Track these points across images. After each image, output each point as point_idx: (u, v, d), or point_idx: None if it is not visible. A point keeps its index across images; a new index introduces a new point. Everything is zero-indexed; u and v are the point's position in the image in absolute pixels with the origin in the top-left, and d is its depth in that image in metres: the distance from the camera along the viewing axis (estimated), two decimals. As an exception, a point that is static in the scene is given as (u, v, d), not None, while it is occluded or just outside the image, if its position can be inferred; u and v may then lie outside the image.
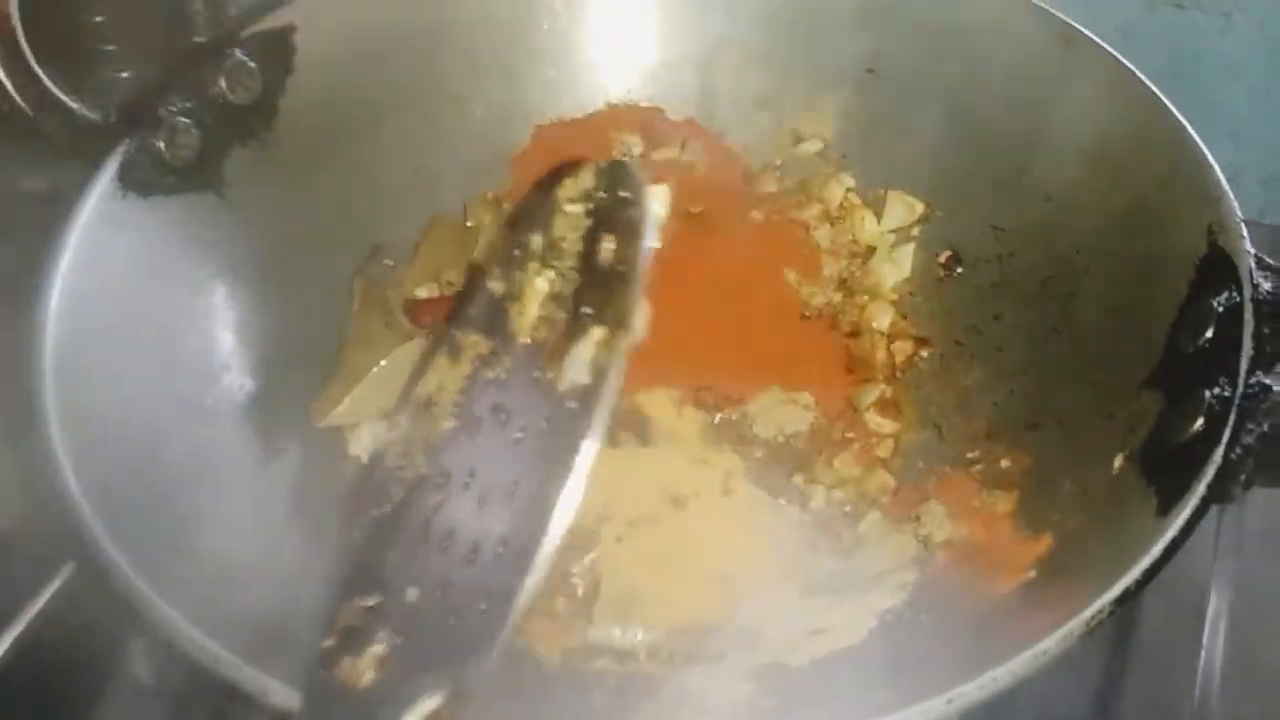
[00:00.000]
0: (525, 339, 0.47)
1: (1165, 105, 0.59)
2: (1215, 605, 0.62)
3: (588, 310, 0.46)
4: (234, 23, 0.67)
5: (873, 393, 0.65)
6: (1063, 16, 0.65)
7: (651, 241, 0.47)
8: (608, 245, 0.47)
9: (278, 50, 0.66)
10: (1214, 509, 0.63)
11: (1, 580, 0.62)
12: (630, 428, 0.64)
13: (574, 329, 0.46)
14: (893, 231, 0.71)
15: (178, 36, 0.67)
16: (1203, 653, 0.60)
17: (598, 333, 0.45)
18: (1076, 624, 0.41)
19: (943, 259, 0.69)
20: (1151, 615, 0.63)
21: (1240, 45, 0.91)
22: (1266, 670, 0.61)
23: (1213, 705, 0.58)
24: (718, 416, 0.65)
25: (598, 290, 0.46)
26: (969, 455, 0.61)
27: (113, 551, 0.47)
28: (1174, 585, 0.62)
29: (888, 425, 0.64)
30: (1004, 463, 0.60)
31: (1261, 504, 0.64)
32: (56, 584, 0.60)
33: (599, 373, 0.45)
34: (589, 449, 0.42)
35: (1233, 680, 0.59)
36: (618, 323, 0.45)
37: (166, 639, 0.46)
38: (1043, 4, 0.66)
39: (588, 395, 0.43)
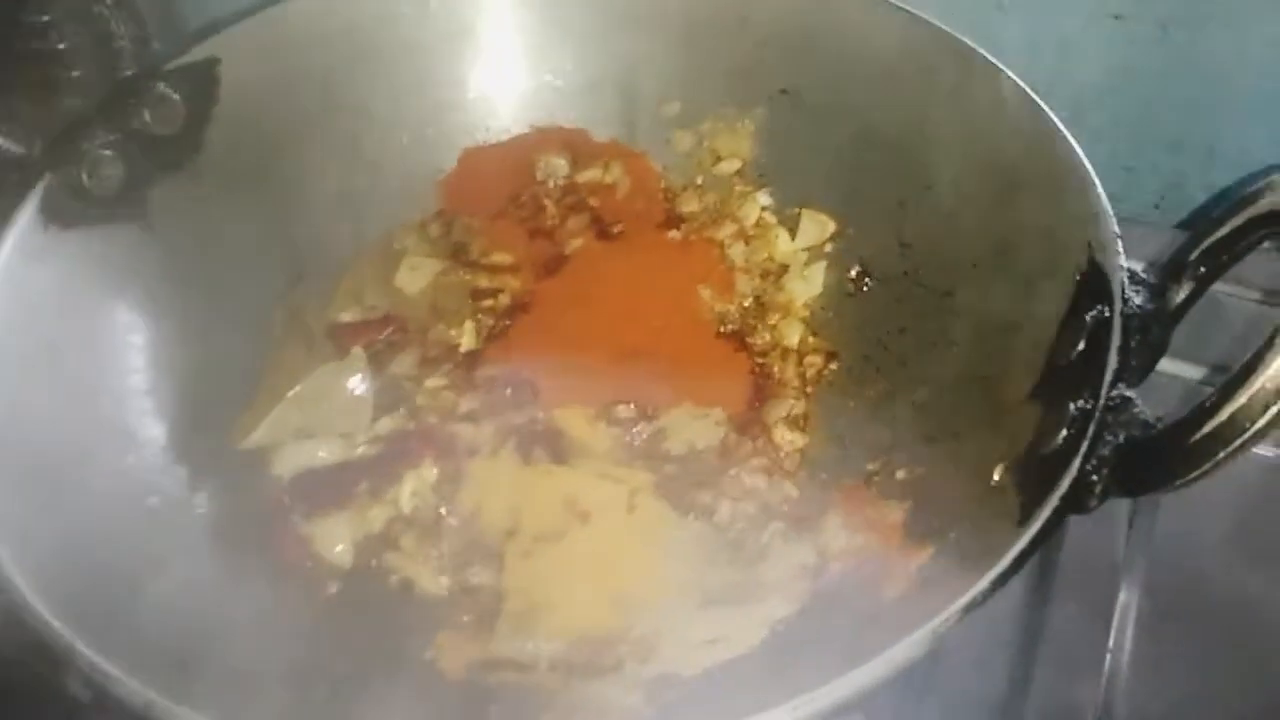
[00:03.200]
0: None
1: (1053, 122, 0.61)
2: (1123, 605, 0.63)
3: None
4: (158, 56, 0.68)
5: (783, 408, 0.67)
6: (963, 38, 0.67)
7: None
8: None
9: (202, 82, 0.68)
10: (1126, 509, 0.66)
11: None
12: (544, 444, 0.65)
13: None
14: (805, 249, 0.72)
15: (102, 70, 0.69)
16: (1109, 655, 0.61)
17: None
18: (922, 633, 0.42)
19: (853, 275, 0.71)
20: (1060, 614, 0.64)
21: (1178, 56, 0.92)
22: (1171, 670, 0.62)
23: (1117, 701, 0.59)
24: (631, 433, 0.66)
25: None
26: (869, 467, 0.63)
27: (26, 590, 0.48)
28: (1083, 585, 0.64)
29: (796, 439, 0.66)
30: (900, 474, 0.61)
31: (1171, 506, 0.66)
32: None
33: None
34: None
35: (1138, 679, 0.61)
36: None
37: (78, 669, 0.47)
38: (972, 23, 0.68)
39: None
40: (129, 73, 0.69)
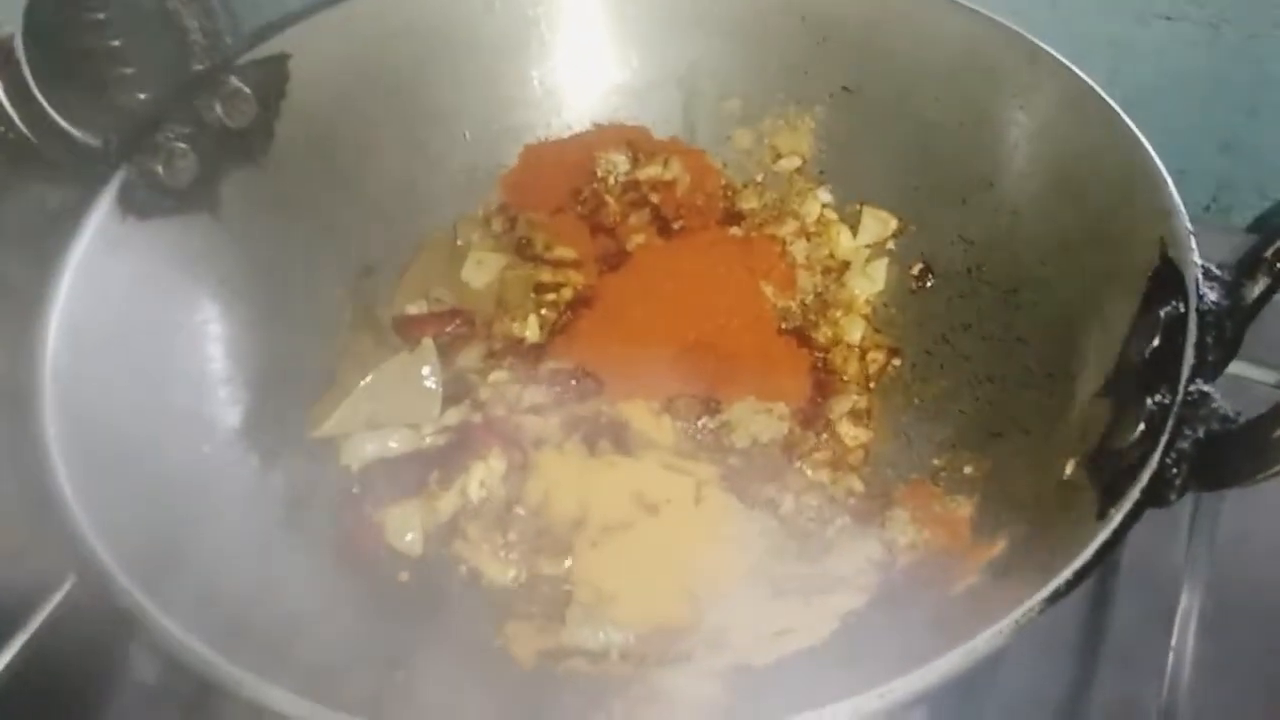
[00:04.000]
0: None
1: (1123, 121, 0.61)
2: (1186, 604, 0.63)
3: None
4: (231, 50, 0.69)
5: (846, 403, 0.67)
6: (1028, 35, 0.67)
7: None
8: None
9: (273, 77, 0.69)
10: (1187, 511, 0.66)
11: (6, 591, 0.64)
12: (610, 437, 0.66)
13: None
14: (867, 246, 0.73)
15: (177, 64, 0.70)
16: (1171, 651, 0.61)
17: None
18: (1006, 623, 0.43)
19: (915, 272, 0.71)
20: (1124, 613, 0.64)
21: (1229, 56, 0.92)
22: (1233, 668, 0.62)
23: (1180, 702, 0.59)
24: (695, 426, 0.67)
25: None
26: (935, 462, 0.63)
27: (111, 564, 0.49)
28: (1146, 584, 0.64)
29: (860, 435, 0.66)
30: (967, 469, 0.61)
31: (1234, 505, 0.66)
32: (60, 595, 0.63)
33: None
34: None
35: (1200, 677, 0.61)
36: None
37: (165, 649, 0.48)
38: (1025, 23, 0.68)
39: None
40: (201, 67, 0.69)
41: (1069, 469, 0.54)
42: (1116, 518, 0.46)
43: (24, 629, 0.62)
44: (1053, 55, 0.66)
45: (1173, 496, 0.47)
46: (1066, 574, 0.44)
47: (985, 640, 0.42)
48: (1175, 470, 0.47)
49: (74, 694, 0.64)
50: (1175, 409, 0.48)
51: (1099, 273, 0.60)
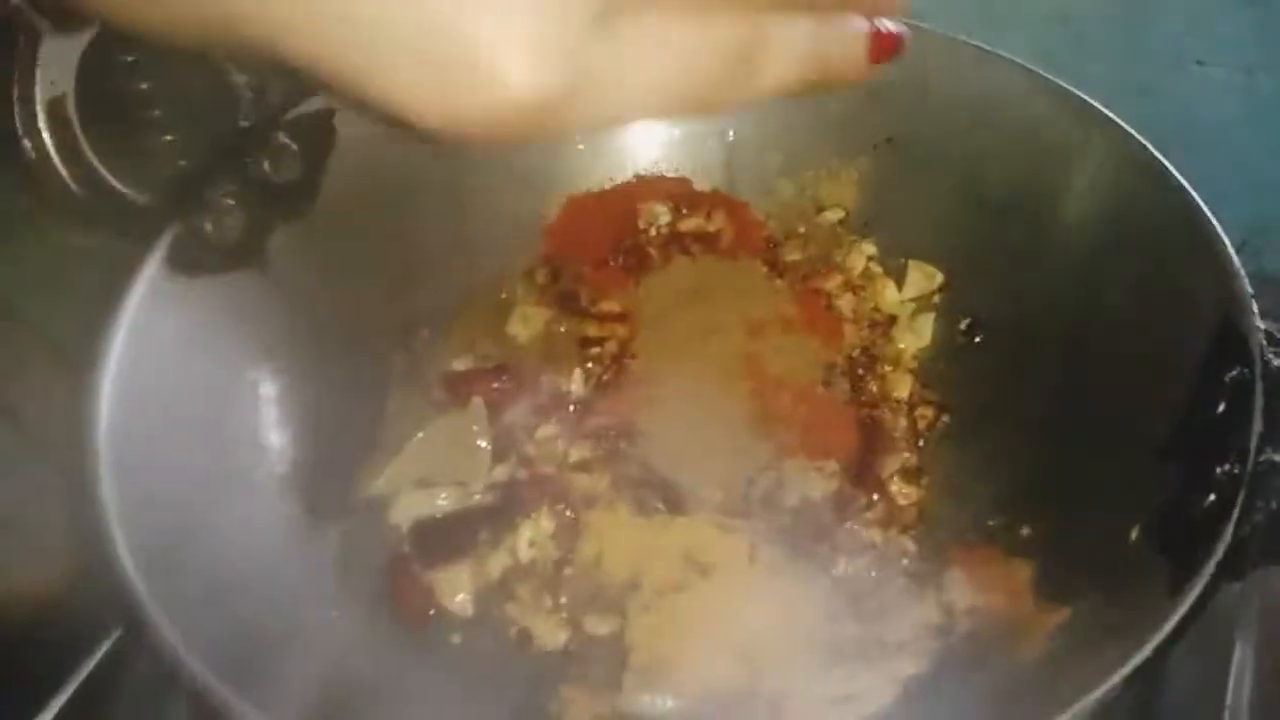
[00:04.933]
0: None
1: (1178, 181, 0.61)
2: (1239, 661, 0.62)
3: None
4: (277, 106, 0.69)
5: (895, 461, 0.67)
6: (1077, 91, 0.67)
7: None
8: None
9: (319, 132, 0.68)
10: None
11: (52, 643, 0.64)
12: (659, 495, 0.66)
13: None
14: (913, 300, 0.73)
15: (223, 121, 0.70)
16: (1226, 711, 0.61)
17: None
18: (1087, 703, 0.42)
19: (962, 327, 0.71)
20: (1177, 671, 0.63)
21: (1262, 102, 0.92)
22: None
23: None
24: (744, 484, 0.66)
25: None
26: (990, 523, 0.63)
27: (160, 619, 0.49)
28: (1199, 640, 0.63)
29: (912, 493, 0.66)
30: (1024, 530, 0.61)
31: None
32: (105, 647, 0.62)
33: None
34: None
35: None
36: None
37: (211, 710, 0.47)
38: (1056, 68, 0.68)
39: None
40: (248, 123, 0.69)
41: (1133, 535, 0.53)
42: (1194, 592, 0.45)
43: (66, 686, 0.62)
44: (1102, 111, 0.66)
45: (1248, 569, 0.47)
46: (1147, 650, 0.44)
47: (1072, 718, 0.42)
48: (1249, 542, 0.47)
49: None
50: (1246, 478, 0.48)
51: (1154, 334, 0.60)
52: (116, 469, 0.54)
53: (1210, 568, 0.46)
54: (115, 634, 0.63)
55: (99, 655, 0.63)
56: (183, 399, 0.60)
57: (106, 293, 0.60)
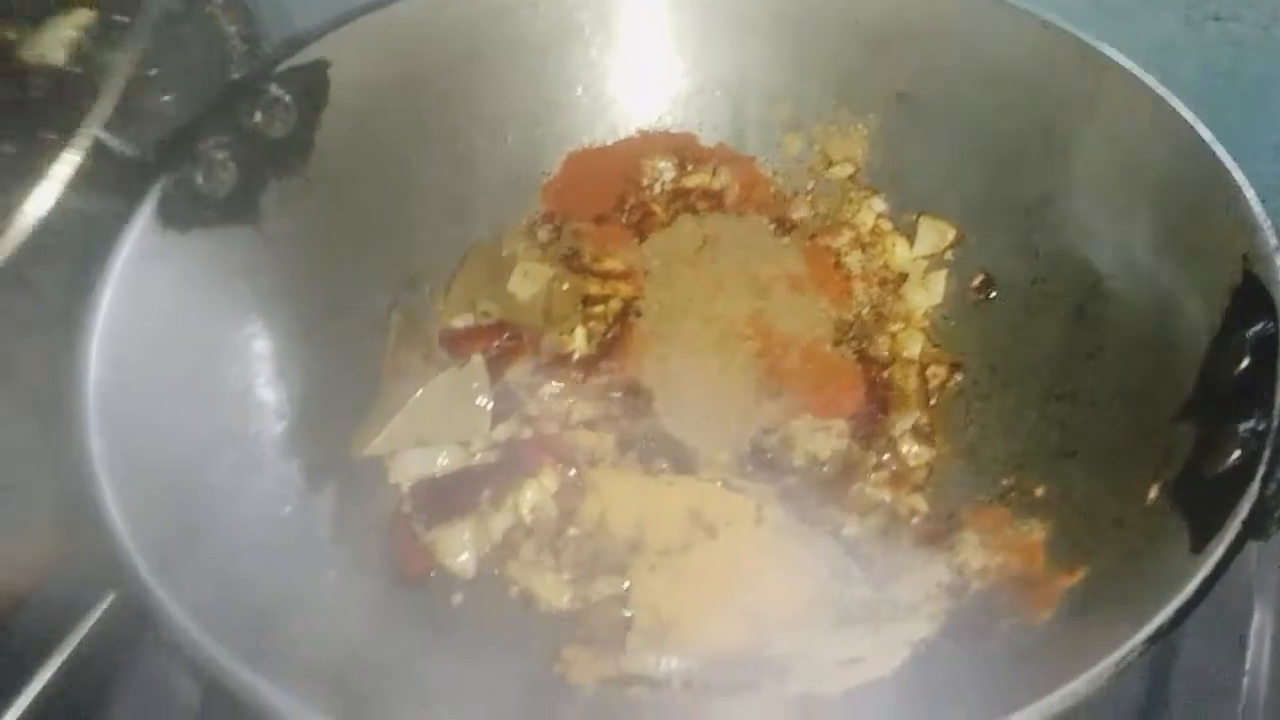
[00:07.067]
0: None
1: (1199, 133, 0.59)
2: (1258, 626, 0.61)
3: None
4: (269, 58, 0.67)
5: (907, 420, 0.65)
6: (1093, 42, 0.65)
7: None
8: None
9: (312, 84, 0.67)
10: None
11: (45, 608, 0.63)
12: (665, 454, 0.64)
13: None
14: (924, 257, 0.71)
15: (214, 72, 0.68)
16: (1245, 677, 0.60)
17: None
18: (1106, 665, 0.41)
19: (975, 284, 0.69)
20: (1194, 637, 0.61)
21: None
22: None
23: (1260, 722, 0.58)
24: (750, 444, 0.65)
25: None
26: (1003, 483, 0.61)
27: (152, 582, 0.48)
28: (1217, 606, 0.62)
29: (923, 453, 0.64)
30: (1038, 491, 0.60)
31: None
32: (99, 612, 0.61)
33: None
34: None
35: (1277, 700, 0.59)
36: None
37: (205, 670, 0.46)
38: (1074, 24, 0.66)
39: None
40: (240, 74, 0.67)
41: (1151, 495, 0.52)
42: (1218, 550, 0.44)
43: (64, 645, 0.61)
44: (1118, 61, 0.64)
45: (1274, 528, 0.45)
46: (1169, 611, 0.42)
47: (1086, 683, 0.41)
48: (1275, 501, 0.45)
49: (112, 711, 0.63)
50: (1273, 435, 0.46)
51: (1174, 288, 0.58)
52: (105, 428, 0.53)
53: (1235, 526, 0.45)
54: (109, 596, 0.61)
55: (95, 617, 0.61)
56: (174, 354, 0.58)
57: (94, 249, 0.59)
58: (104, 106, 0.56)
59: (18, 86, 0.61)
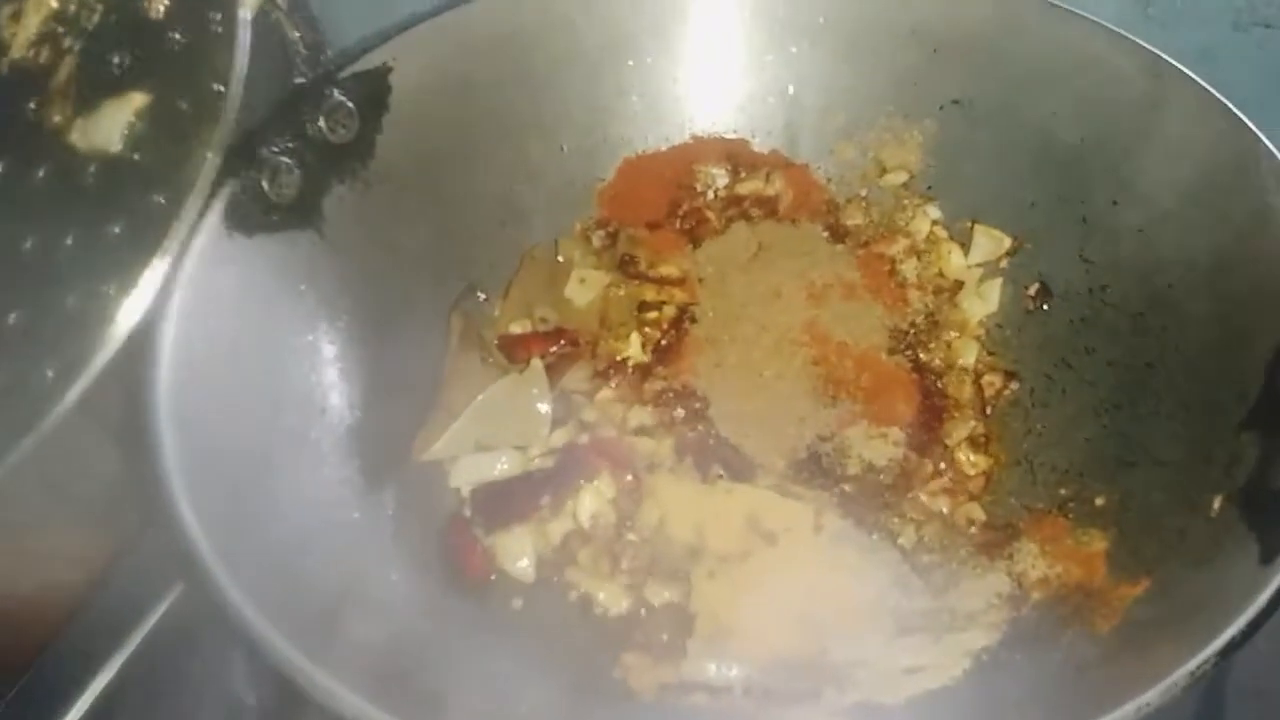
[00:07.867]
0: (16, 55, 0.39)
1: (1260, 139, 0.59)
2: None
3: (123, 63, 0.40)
4: (333, 63, 0.68)
5: (963, 428, 0.65)
6: (1150, 48, 0.65)
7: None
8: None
9: (375, 89, 0.67)
10: None
11: (115, 600, 0.64)
12: (722, 461, 0.64)
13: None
14: (979, 265, 0.71)
15: (279, 77, 0.69)
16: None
17: (138, 99, 0.39)
18: (1180, 675, 0.41)
19: (1031, 292, 0.69)
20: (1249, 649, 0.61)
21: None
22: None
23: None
24: (807, 451, 0.65)
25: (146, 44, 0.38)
26: (1061, 492, 0.61)
27: (220, 576, 0.49)
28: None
29: (980, 461, 0.64)
30: (1098, 500, 0.59)
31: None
32: (166, 604, 0.62)
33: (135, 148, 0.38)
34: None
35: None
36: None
37: (272, 666, 0.47)
38: (1125, 30, 0.66)
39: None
40: (303, 80, 0.68)
41: (1216, 505, 0.52)
42: (1289, 564, 0.44)
43: (128, 642, 0.62)
44: (1180, 69, 0.63)
45: (1345, 543, 0.45)
46: (1241, 623, 0.42)
47: (1159, 694, 0.41)
48: (1346, 515, 0.45)
49: (174, 709, 0.63)
50: (1342, 449, 0.46)
51: (1236, 297, 0.58)
52: (175, 429, 0.53)
53: (1307, 540, 0.44)
54: (177, 589, 0.62)
55: (162, 610, 0.62)
56: (240, 357, 0.59)
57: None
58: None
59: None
